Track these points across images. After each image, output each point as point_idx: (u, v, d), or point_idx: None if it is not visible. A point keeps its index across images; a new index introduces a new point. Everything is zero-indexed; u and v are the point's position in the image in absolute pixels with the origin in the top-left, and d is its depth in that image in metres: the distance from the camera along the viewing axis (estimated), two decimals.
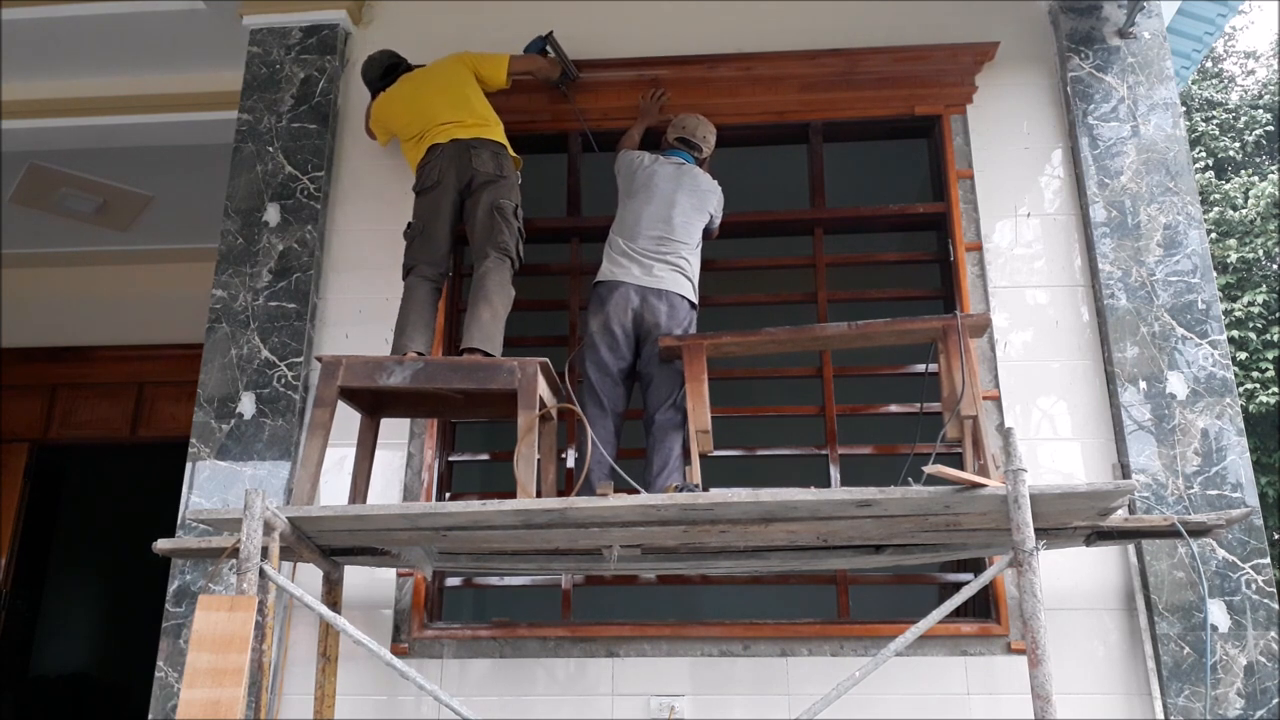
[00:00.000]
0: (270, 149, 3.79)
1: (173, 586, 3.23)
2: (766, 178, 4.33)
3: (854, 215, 3.84)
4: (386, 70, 3.60)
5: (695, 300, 3.28)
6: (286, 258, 3.63)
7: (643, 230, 3.29)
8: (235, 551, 2.31)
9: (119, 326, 5.73)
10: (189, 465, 3.37)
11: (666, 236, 3.28)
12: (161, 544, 2.68)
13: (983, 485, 2.26)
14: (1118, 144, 3.57)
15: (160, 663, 3.15)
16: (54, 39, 4.27)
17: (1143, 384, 3.26)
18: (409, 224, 3.34)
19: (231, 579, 3.00)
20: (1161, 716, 2.92)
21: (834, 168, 3.88)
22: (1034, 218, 3.58)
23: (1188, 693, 2.92)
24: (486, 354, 2.98)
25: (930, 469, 2.25)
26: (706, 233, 3.44)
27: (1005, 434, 2.24)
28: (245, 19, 3.98)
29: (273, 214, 3.69)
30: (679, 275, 3.25)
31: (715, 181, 3.49)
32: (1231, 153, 14.06)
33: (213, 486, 3.33)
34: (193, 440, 3.41)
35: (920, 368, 3.28)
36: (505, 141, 3.41)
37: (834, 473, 3.40)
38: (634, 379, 3.27)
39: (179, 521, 3.31)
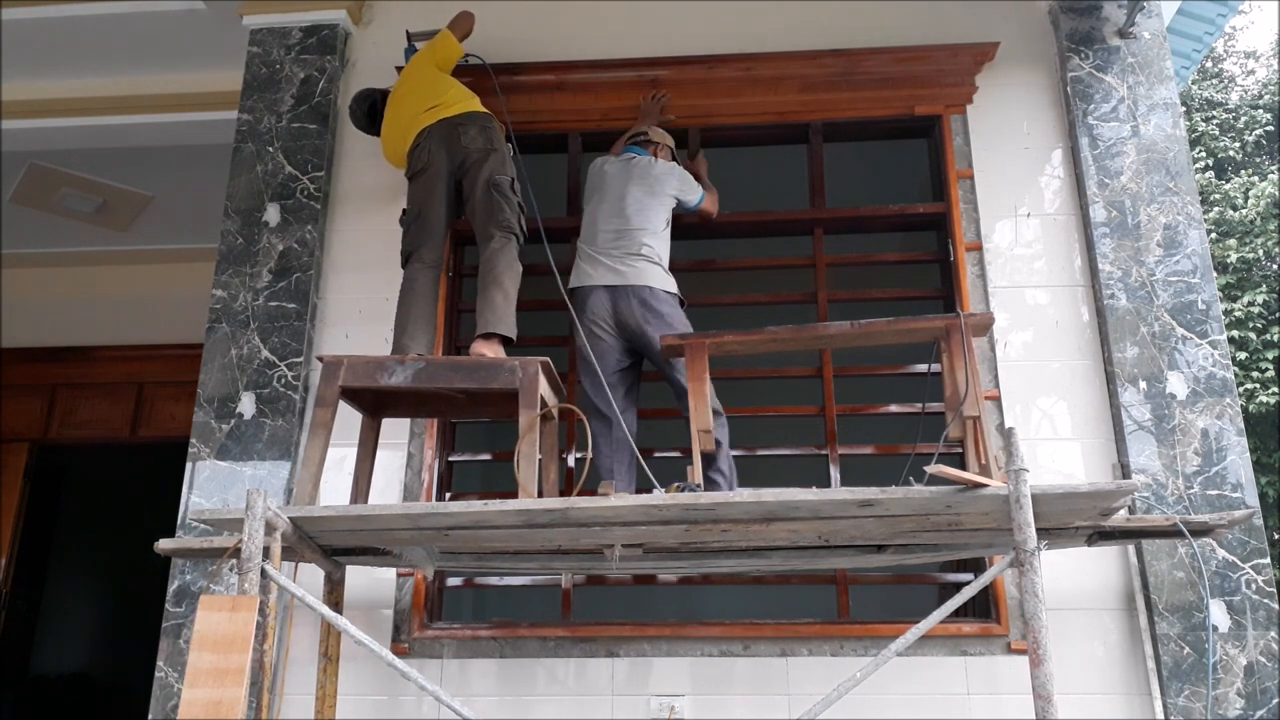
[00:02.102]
0: (270, 149, 3.79)
1: (173, 586, 3.23)
2: (767, 178, 4.33)
3: (854, 215, 3.83)
4: (370, 111, 3.59)
5: (670, 286, 3.22)
6: (286, 258, 3.63)
7: (599, 229, 3.29)
8: (237, 551, 2.31)
9: (119, 326, 5.73)
10: (189, 465, 3.37)
11: (623, 229, 3.26)
12: (163, 544, 2.68)
13: (984, 485, 2.26)
14: (1118, 144, 3.57)
15: (160, 663, 3.15)
16: (54, 39, 4.27)
17: (1143, 384, 3.26)
18: (404, 210, 3.33)
19: (232, 579, 3.00)
20: (1162, 716, 2.92)
21: (834, 168, 3.88)
22: (1034, 218, 3.58)
23: (1188, 693, 2.92)
24: (504, 337, 2.98)
25: (932, 469, 2.25)
26: (695, 213, 3.43)
27: (1006, 434, 2.24)
28: (245, 19, 3.98)
29: (273, 214, 3.69)
30: (644, 264, 3.21)
31: (671, 164, 3.45)
32: (1231, 153, 14.06)
33: (213, 486, 3.33)
34: (193, 440, 3.41)
35: (921, 368, 3.28)
36: (488, 110, 3.40)
37: (834, 473, 3.40)
38: (633, 376, 3.26)
39: (179, 521, 3.31)
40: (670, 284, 3.25)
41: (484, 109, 3.39)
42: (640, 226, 3.26)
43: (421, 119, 3.34)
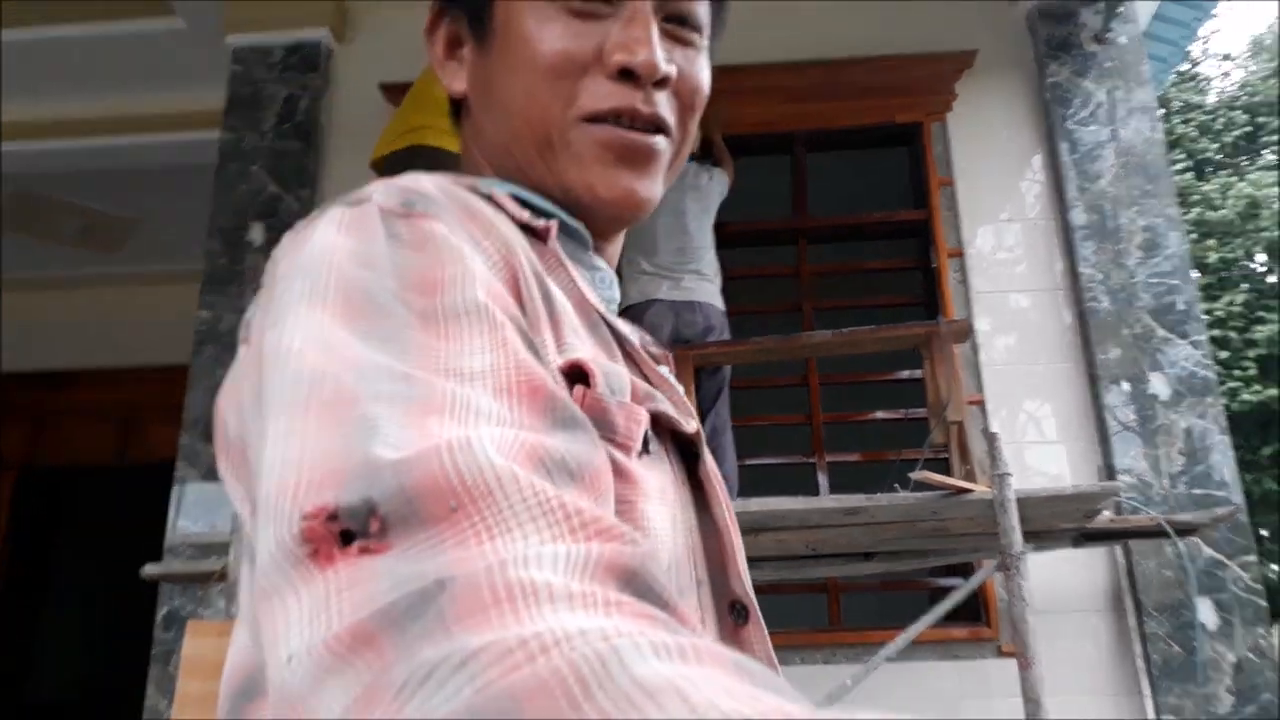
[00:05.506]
0: (254, 168, 3.78)
1: (162, 612, 3.20)
2: (750, 187, 4.35)
3: (837, 224, 3.86)
4: None
5: (723, 305, 3.28)
6: None
7: (660, 244, 3.27)
8: (224, 575, 2.30)
9: (106, 350, 5.70)
10: (175, 488, 3.35)
11: (685, 245, 3.27)
12: (149, 569, 2.67)
13: (969, 490, 2.28)
14: (1097, 148, 3.60)
15: (151, 689, 3.12)
16: (33, 62, 4.26)
17: (1126, 385, 3.28)
18: None
19: (221, 603, 2.99)
20: (1153, 716, 2.94)
21: (819, 176, 3.90)
22: (1015, 222, 3.61)
23: (1178, 691, 2.93)
24: None
25: (917, 475, 2.26)
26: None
27: (989, 439, 2.25)
28: (228, 38, 3.98)
29: (257, 233, 3.68)
30: (706, 283, 3.26)
31: (706, 168, 3.46)
32: (1210, 154, 14.20)
33: (200, 510, 3.31)
34: (179, 463, 3.39)
35: (905, 374, 3.30)
36: (444, 143, 3.09)
37: (822, 480, 3.41)
38: None
39: (165, 546, 3.28)
40: (722, 305, 3.28)
41: (434, 140, 3.05)
42: (701, 244, 3.30)
43: (401, 139, 3.25)
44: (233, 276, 3.63)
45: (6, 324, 5.78)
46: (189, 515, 3.31)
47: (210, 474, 3.35)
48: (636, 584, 0.34)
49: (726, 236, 3.75)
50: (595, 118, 0.61)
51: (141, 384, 5.56)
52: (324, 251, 0.50)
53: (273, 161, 3.79)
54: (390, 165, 3.11)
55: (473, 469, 0.37)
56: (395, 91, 3.76)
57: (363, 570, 0.34)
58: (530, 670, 0.28)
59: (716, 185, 3.44)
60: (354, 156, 3.76)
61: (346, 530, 0.36)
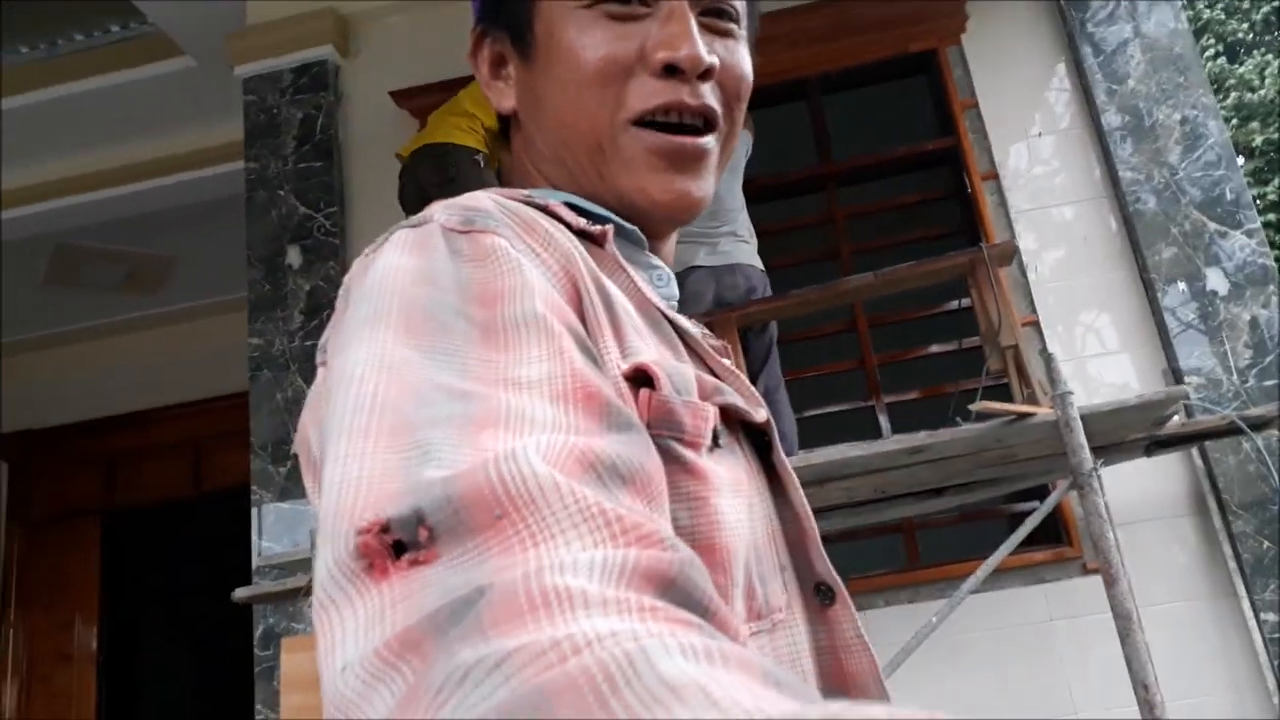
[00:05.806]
0: (281, 192, 3.84)
1: (258, 631, 3.30)
2: (774, 138, 4.30)
3: (863, 164, 3.80)
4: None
5: (760, 264, 3.22)
6: (314, 296, 3.68)
7: None
8: (309, 590, 2.36)
9: (167, 387, 5.85)
10: (253, 511, 3.44)
11: (717, 209, 3.22)
12: (239, 593, 2.75)
13: (1031, 414, 2.25)
14: (1120, 47, 3.50)
15: (258, 705, 3.23)
16: (57, 119, 4.36)
17: (1182, 285, 3.21)
18: None
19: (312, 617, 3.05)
20: (1250, 614, 2.89)
21: (844, 116, 3.84)
22: (1046, 136, 3.53)
23: (1275, 587, 2.88)
24: None
25: (977, 406, 2.24)
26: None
27: (1046, 359, 2.22)
28: (236, 69, 4.03)
29: (294, 256, 3.74)
30: (742, 244, 3.21)
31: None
32: (1241, 34, 13.68)
33: (280, 529, 3.40)
34: (253, 487, 3.47)
35: (955, 304, 3.26)
36: (464, 140, 3.14)
37: (883, 422, 3.39)
38: None
39: (253, 568, 3.38)
40: (760, 265, 3.23)
41: (447, 137, 3.16)
42: (730, 206, 3.23)
43: (419, 139, 3.27)
44: (277, 301, 3.69)
45: (67, 375, 5.96)
46: (270, 536, 3.40)
47: (285, 494, 3.44)
48: (674, 590, 0.35)
49: (754, 191, 3.72)
50: (645, 117, 0.63)
51: (205, 415, 5.70)
52: (387, 274, 0.53)
53: (298, 183, 3.84)
54: (409, 162, 3.22)
55: (516, 478, 0.38)
56: (406, 98, 3.78)
57: (414, 581, 0.36)
58: (561, 670, 0.29)
59: (741, 144, 3.40)
60: (376, 167, 3.80)
61: (398, 541, 0.37)
